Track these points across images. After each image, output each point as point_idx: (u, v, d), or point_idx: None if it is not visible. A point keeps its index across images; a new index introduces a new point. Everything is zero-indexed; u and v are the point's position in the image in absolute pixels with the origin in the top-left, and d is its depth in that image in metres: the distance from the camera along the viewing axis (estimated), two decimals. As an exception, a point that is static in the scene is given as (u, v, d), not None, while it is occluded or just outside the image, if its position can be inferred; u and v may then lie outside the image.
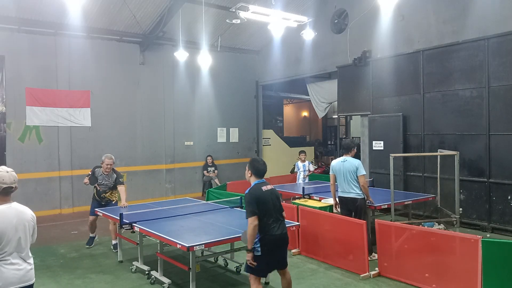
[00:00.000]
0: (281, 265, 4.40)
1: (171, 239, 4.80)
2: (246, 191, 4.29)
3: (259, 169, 4.36)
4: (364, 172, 6.22)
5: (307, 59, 12.19)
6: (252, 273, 4.24)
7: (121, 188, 7.07)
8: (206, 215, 6.20)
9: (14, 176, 3.28)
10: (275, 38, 11.55)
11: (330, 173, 6.57)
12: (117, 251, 6.81)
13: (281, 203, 4.49)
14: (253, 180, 4.36)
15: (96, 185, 7.09)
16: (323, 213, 6.45)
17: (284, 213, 4.47)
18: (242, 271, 5.70)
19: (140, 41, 11.47)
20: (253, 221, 4.11)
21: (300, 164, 10.40)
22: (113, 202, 7.24)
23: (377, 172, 9.75)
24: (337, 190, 6.50)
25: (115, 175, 7.12)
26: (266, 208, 4.19)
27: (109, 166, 7.00)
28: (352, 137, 14.91)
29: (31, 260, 3.33)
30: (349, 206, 6.30)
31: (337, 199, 6.51)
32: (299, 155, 10.50)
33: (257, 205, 4.14)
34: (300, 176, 10.36)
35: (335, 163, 6.45)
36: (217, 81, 12.97)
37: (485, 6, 7.87)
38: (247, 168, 4.43)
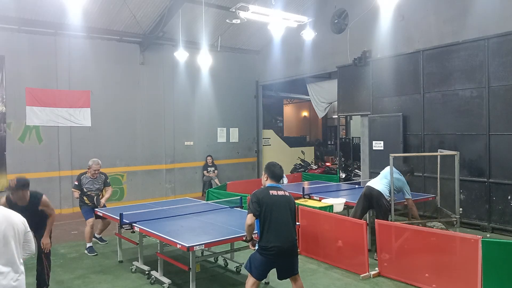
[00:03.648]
0: (288, 274, 4.26)
1: (171, 239, 4.81)
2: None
3: (274, 173, 4.32)
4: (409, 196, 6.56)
5: (307, 59, 12.20)
6: (249, 271, 4.18)
7: (108, 189, 7.26)
8: (206, 215, 6.20)
9: None
10: (275, 38, 11.54)
11: None
12: (94, 255, 6.79)
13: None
14: (268, 184, 4.32)
15: (85, 196, 7.03)
16: (323, 213, 6.45)
17: (296, 224, 4.33)
18: (242, 270, 5.70)
19: (140, 41, 11.47)
20: (248, 219, 4.06)
21: None
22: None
23: (377, 172, 9.63)
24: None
25: (103, 176, 7.23)
26: (269, 211, 4.07)
27: (97, 171, 7.07)
28: (352, 137, 14.93)
29: (23, 268, 3.12)
30: (371, 199, 6.38)
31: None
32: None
33: (259, 205, 4.06)
34: None
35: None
36: (217, 81, 12.97)
37: (485, 6, 7.87)
38: (263, 172, 4.42)
